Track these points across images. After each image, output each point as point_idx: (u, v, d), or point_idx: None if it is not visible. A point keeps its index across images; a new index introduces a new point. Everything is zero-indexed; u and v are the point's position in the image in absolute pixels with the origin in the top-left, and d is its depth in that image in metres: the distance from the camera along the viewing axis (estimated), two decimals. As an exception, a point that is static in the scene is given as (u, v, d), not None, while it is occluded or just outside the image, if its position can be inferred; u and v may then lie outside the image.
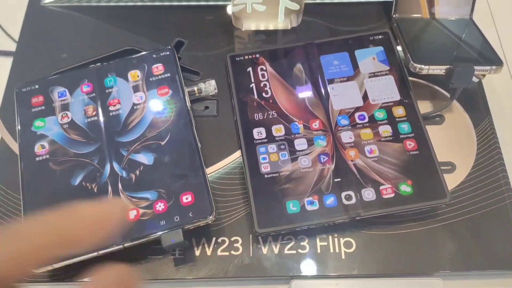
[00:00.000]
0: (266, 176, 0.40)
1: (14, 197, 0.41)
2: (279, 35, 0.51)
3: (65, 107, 0.42)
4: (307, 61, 0.46)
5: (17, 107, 0.43)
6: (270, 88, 0.45)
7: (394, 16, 0.49)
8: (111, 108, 0.42)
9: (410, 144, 0.41)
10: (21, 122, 0.42)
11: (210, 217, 0.37)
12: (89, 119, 0.42)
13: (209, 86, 0.45)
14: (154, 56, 0.44)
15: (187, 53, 0.49)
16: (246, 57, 0.46)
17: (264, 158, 0.41)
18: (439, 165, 0.40)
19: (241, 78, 0.45)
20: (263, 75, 0.45)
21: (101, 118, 0.42)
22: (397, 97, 0.43)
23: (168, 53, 0.44)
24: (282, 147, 0.41)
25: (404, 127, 0.42)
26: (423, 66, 0.43)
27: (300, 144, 0.42)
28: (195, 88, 0.45)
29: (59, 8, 0.52)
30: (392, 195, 0.39)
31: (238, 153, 0.43)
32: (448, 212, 0.40)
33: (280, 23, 0.50)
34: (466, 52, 0.45)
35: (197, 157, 0.39)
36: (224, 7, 0.52)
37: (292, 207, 0.39)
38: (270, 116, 0.43)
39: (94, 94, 0.43)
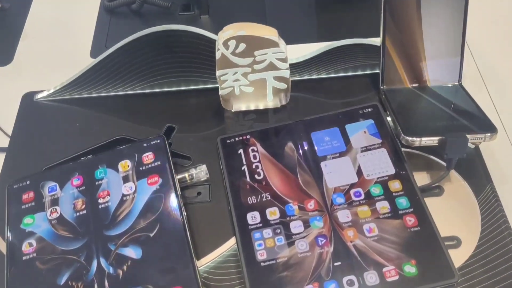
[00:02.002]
0: (262, 264, 0.38)
1: (0, 300, 0.40)
2: (270, 113, 0.51)
3: (54, 202, 0.42)
4: (298, 139, 0.45)
5: (8, 204, 0.42)
6: (262, 169, 0.44)
7: (382, 87, 0.49)
8: (100, 200, 0.41)
9: (410, 220, 0.39)
10: (10, 219, 0.41)
11: (203, 314, 0.35)
12: (78, 213, 0.41)
13: (200, 172, 0.44)
14: (145, 145, 0.44)
15: (179, 135, 0.49)
16: (237, 138, 0.46)
17: (259, 245, 0.39)
18: (443, 241, 0.38)
19: (232, 160, 0.45)
20: (254, 156, 0.45)
21: (90, 212, 0.41)
22: (392, 170, 0.42)
23: (158, 141, 0.44)
24: (278, 231, 0.40)
25: (402, 202, 0.40)
26: (414, 138, 0.42)
27: (296, 227, 0.40)
28: (186, 175, 0.44)
29: (51, 102, 0.53)
30: (397, 277, 0.36)
31: (233, 240, 0.41)
32: (459, 292, 0.38)
33: (270, 102, 0.50)
34: (458, 121, 0.44)
35: (187, 249, 0.37)
36: (213, 90, 0.53)
37: (291, 297, 0.36)
38: (263, 199, 0.42)
39: (84, 187, 0.42)
